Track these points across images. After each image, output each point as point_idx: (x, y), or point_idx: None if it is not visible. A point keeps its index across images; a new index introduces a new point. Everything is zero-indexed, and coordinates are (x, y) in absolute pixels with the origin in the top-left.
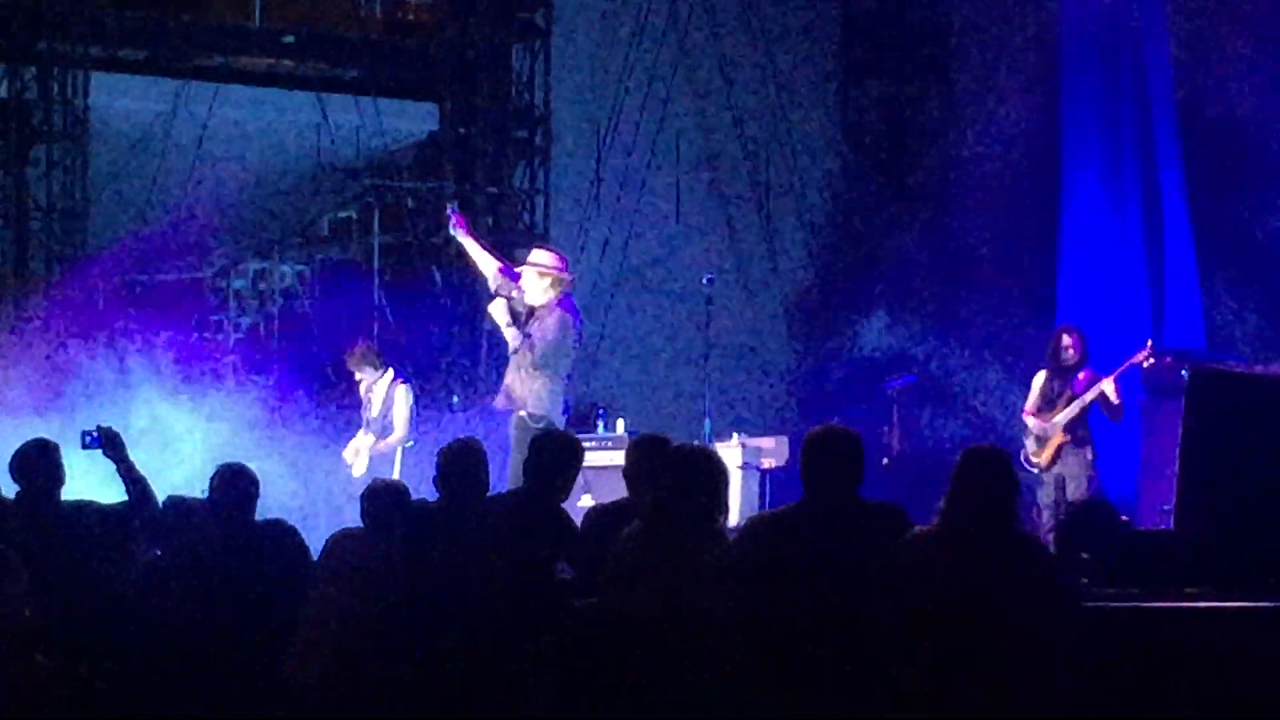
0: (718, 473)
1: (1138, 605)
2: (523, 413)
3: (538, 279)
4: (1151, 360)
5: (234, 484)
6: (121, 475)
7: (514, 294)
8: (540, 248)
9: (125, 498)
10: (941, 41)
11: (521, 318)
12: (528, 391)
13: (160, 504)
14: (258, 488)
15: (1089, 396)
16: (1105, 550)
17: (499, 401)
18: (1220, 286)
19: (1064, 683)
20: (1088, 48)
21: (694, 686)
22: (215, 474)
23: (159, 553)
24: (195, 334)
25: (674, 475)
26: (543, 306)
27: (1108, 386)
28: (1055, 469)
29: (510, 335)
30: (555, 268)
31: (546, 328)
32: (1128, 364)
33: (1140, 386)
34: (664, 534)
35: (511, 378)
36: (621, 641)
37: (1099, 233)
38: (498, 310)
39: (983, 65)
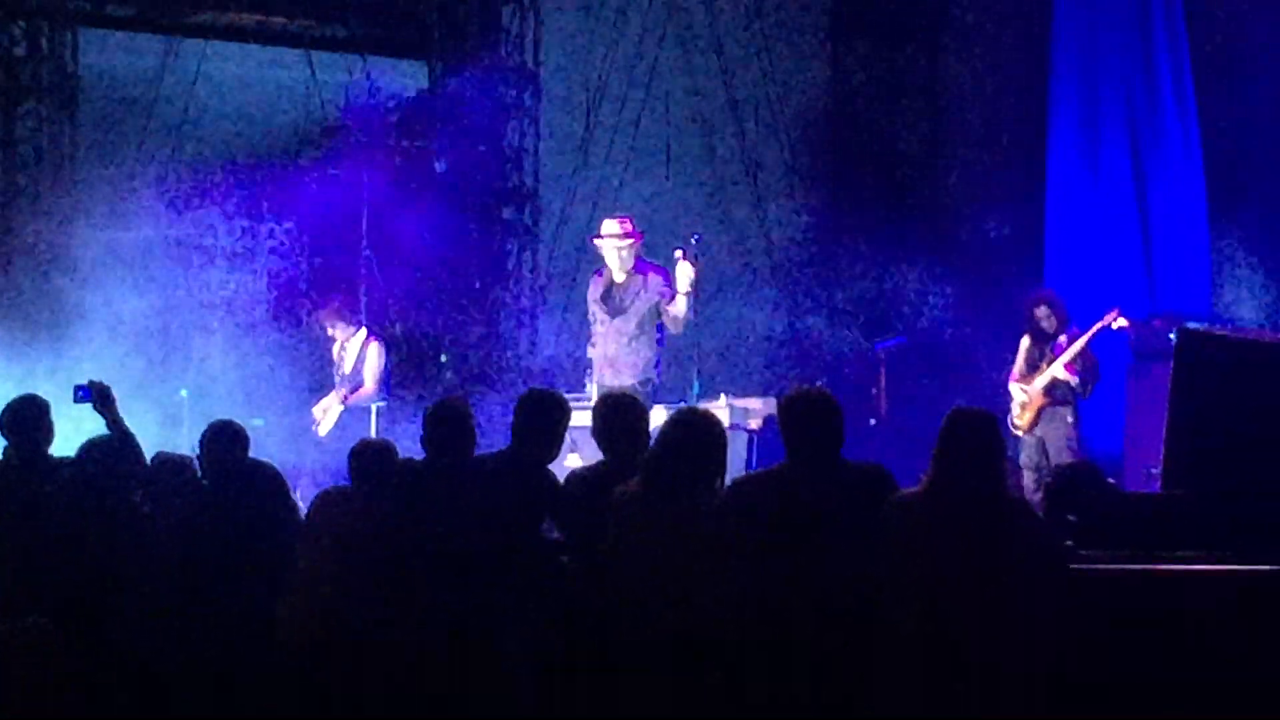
0: (718, 435)
1: (1124, 568)
2: (632, 381)
3: (623, 252)
4: (1122, 322)
5: (225, 440)
6: (110, 430)
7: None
8: (608, 218)
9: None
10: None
11: (615, 297)
12: (639, 360)
13: (148, 460)
14: (248, 444)
15: (1060, 363)
16: (1092, 513)
17: (605, 379)
18: (1235, 243)
19: (1051, 644)
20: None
21: (684, 645)
22: (207, 430)
23: (147, 509)
24: (182, 290)
25: (676, 436)
26: (628, 276)
27: (1068, 358)
28: (1036, 432)
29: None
30: (630, 234)
31: (653, 296)
32: (1096, 328)
33: (1127, 349)
34: (662, 493)
35: (615, 351)
36: (616, 599)
37: (1086, 189)
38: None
39: (972, 24)
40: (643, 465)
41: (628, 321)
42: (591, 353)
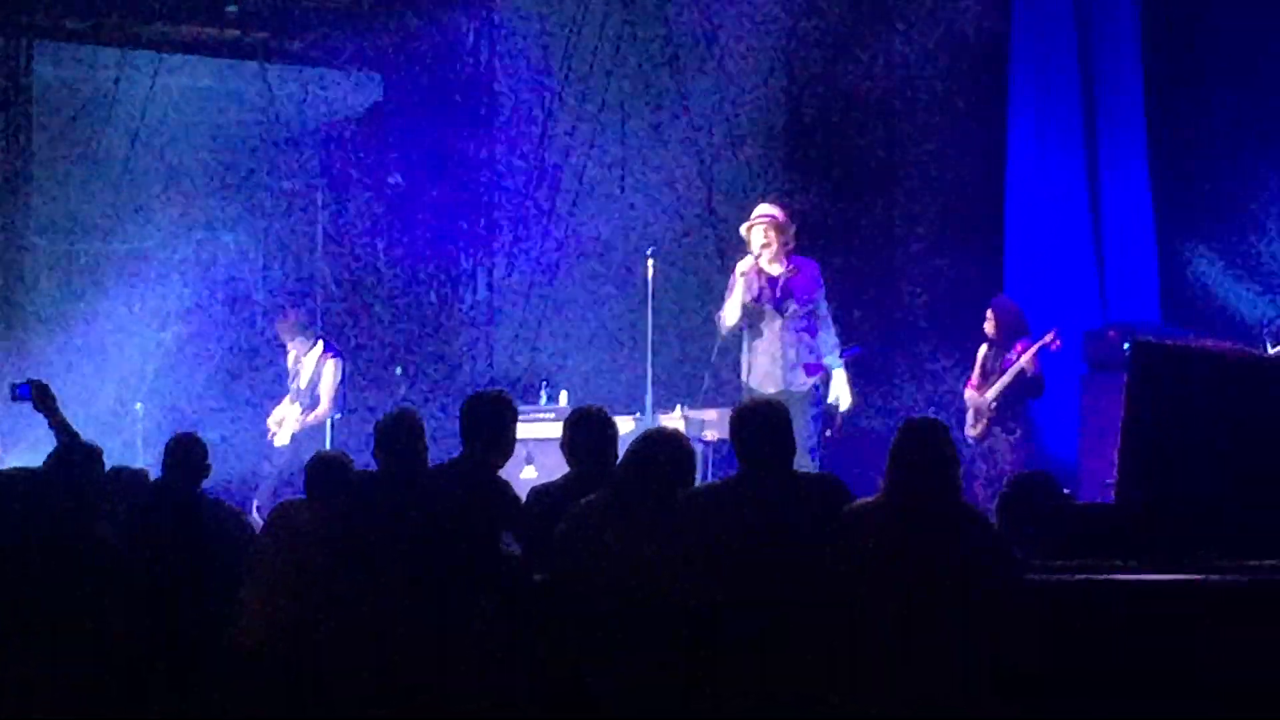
0: (687, 453)
1: (1079, 578)
2: (812, 381)
3: (778, 234)
4: (1058, 344)
5: (187, 452)
6: (52, 429)
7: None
8: (763, 201)
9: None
10: (884, 15)
11: (777, 289)
12: (814, 355)
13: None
14: (207, 457)
15: (1008, 375)
16: (1047, 523)
17: (770, 383)
18: (1185, 247)
19: (1006, 655)
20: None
21: (646, 657)
22: (169, 442)
23: (102, 525)
24: (138, 305)
25: (646, 451)
26: (779, 265)
27: (1026, 363)
28: (987, 442)
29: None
30: (785, 218)
31: (814, 285)
32: (1037, 346)
33: (1081, 359)
34: (627, 506)
35: (792, 351)
36: (580, 610)
37: (1041, 198)
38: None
39: (929, 40)
40: (611, 478)
41: (799, 315)
42: (752, 357)
